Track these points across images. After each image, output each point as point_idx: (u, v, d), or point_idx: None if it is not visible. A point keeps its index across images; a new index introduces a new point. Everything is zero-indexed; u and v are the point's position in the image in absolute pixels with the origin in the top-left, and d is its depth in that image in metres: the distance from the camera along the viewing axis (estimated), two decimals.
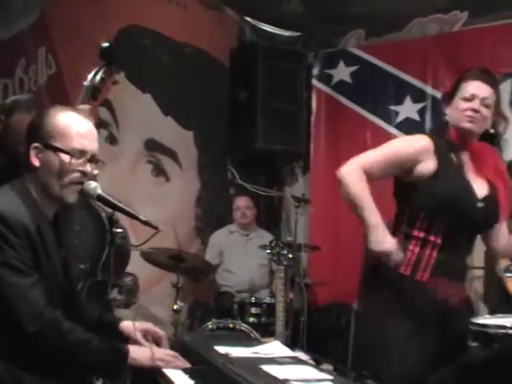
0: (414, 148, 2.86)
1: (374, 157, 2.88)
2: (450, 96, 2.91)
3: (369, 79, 6.03)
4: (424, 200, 2.81)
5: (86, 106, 3.25)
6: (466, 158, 2.91)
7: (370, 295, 2.94)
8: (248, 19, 6.51)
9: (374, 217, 2.78)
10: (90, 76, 3.41)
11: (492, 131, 2.90)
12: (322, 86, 6.35)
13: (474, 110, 2.82)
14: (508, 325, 2.65)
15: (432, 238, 2.80)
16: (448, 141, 2.88)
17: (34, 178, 2.22)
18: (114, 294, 3.78)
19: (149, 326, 2.53)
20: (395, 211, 2.97)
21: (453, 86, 2.92)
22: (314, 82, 6.39)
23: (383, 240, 2.76)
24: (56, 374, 2.16)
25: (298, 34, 6.51)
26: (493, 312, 3.41)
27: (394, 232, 2.90)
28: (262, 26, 6.51)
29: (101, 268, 3.14)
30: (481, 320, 2.84)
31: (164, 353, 2.36)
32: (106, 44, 3.52)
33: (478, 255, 4.47)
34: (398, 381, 2.68)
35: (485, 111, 2.84)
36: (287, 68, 6.25)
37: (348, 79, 6.17)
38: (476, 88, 2.84)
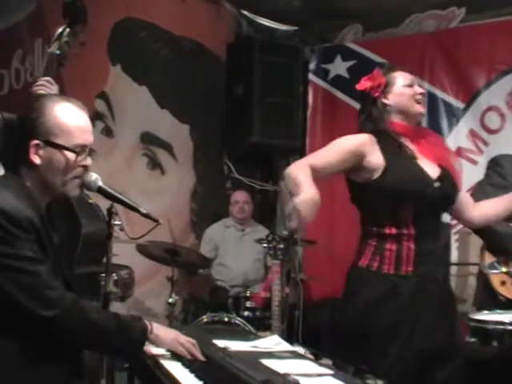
0: (357, 141, 2.87)
1: (320, 154, 2.89)
2: (382, 89, 3.00)
3: (365, 74, 5.96)
4: (382, 197, 2.80)
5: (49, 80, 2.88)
6: (409, 143, 2.92)
7: (353, 296, 2.90)
8: (245, 13, 6.48)
9: (308, 187, 2.64)
10: (53, 41, 2.98)
11: None
12: (318, 81, 6.33)
13: (422, 94, 2.96)
14: (506, 321, 2.66)
15: (405, 231, 2.79)
16: (389, 130, 2.90)
17: (32, 175, 2.16)
18: (111, 286, 3.74)
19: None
20: (359, 218, 2.95)
21: (380, 80, 3.06)
22: (311, 76, 6.37)
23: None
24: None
25: (295, 28, 6.48)
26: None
27: (363, 238, 2.88)
28: (259, 20, 6.48)
29: (76, 260, 3.01)
30: (479, 316, 2.84)
31: (186, 339, 2.33)
32: None
33: (474, 251, 4.50)
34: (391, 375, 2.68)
35: None
36: (284, 62, 6.22)
37: (345, 74, 6.15)
38: (409, 75, 3.01)
